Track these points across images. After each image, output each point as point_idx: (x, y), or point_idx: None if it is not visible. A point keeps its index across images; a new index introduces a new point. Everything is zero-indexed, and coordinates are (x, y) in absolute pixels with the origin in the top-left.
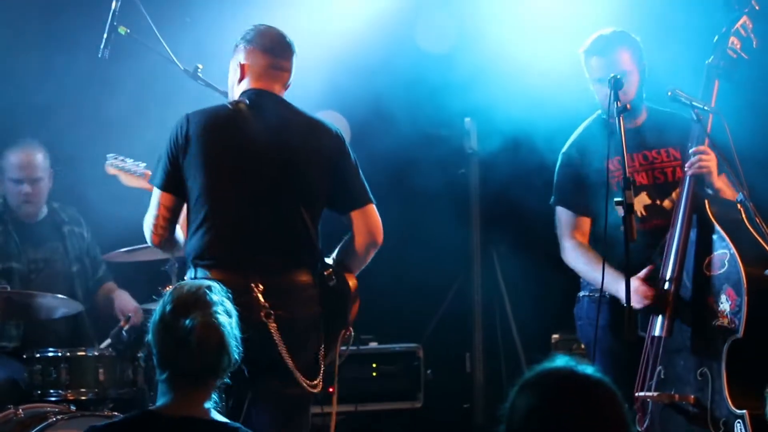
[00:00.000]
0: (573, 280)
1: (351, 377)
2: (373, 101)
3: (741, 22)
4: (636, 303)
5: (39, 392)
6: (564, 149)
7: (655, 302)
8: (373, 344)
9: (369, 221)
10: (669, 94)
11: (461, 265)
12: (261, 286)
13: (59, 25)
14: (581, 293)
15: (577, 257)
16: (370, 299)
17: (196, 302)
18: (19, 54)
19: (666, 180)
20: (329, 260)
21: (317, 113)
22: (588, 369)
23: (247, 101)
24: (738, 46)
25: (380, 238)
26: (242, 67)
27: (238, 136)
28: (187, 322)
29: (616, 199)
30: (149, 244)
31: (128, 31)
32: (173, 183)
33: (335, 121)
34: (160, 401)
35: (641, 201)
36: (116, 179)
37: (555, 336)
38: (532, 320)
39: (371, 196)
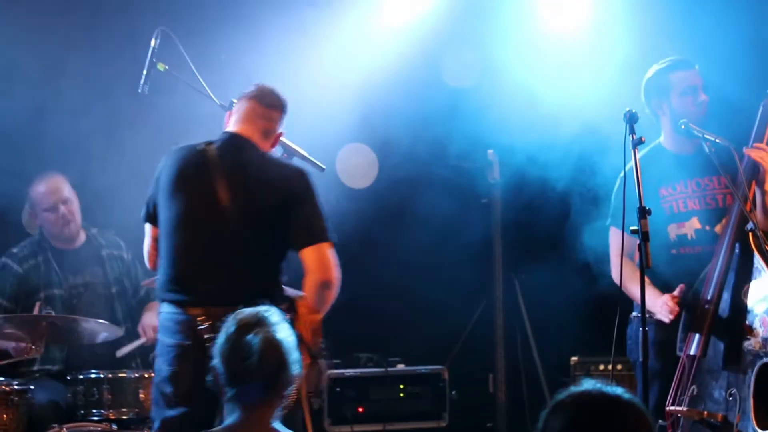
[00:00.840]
0: (590, 306)
1: (379, 398)
2: (399, 134)
3: None
4: (663, 317)
5: (82, 412)
6: (621, 174)
7: (692, 320)
8: (401, 366)
9: (320, 258)
10: (682, 126)
11: (484, 291)
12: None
13: (99, 58)
14: (633, 314)
15: (624, 275)
16: (398, 324)
17: (258, 322)
18: (60, 85)
19: (717, 206)
20: (295, 294)
21: (348, 144)
22: (617, 390)
23: (218, 143)
24: None
25: (331, 275)
26: (228, 116)
27: (201, 177)
28: (251, 338)
29: (632, 228)
30: (148, 267)
31: (167, 67)
32: (153, 215)
33: (363, 153)
34: (228, 421)
35: (692, 226)
36: None
37: (573, 358)
38: (551, 343)
39: (329, 236)
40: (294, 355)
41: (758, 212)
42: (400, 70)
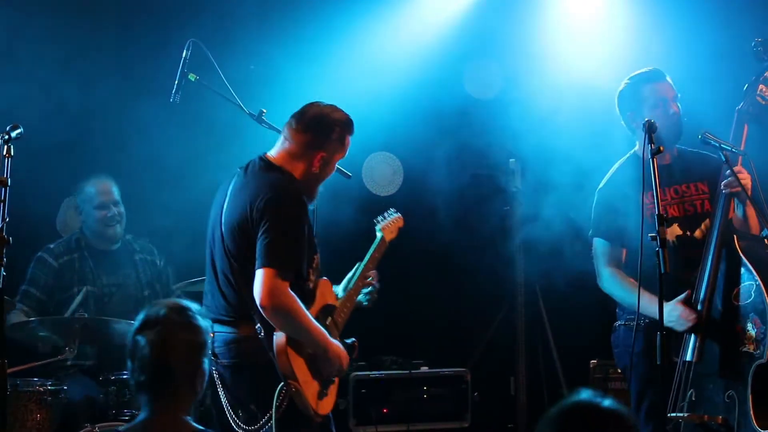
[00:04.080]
0: (608, 310)
1: (403, 399)
2: (423, 143)
3: None
4: (679, 326)
5: (114, 411)
6: (600, 186)
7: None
8: (425, 368)
9: (257, 284)
10: (700, 137)
11: (506, 296)
12: (212, 334)
13: (131, 69)
14: (617, 323)
15: (615, 284)
16: (422, 327)
17: (155, 320)
18: (93, 97)
19: (696, 212)
20: None
21: (374, 153)
22: (606, 401)
23: (241, 168)
24: (767, 93)
25: (263, 300)
26: None
27: (220, 199)
28: (140, 338)
29: (650, 234)
30: None
31: (198, 77)
32: None
33: (388, 161)
34: (139, 416)
35: (673, 232)
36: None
37: (593, 361)
38: (571, 347)
39: (271, 260)
40: (191, 355)
41: (737, 217)
42: (424, 81)
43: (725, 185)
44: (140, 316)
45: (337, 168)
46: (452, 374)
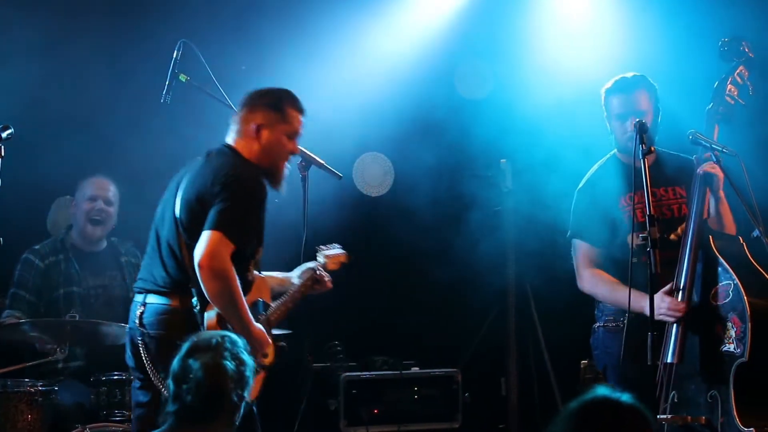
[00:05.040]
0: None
1: (394, 399)
2: (414, 144)
3: (738, 71)
4: (668, 317)
5: (105, 412)
6: (579, 187)
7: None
8: (415, 369)
9: (201, 241)
10: (690, 137)
11: (497, 297)
12: (142, 308)
13: (121, 70)
14: (596, 324)
15: (597, 283)
16: (413, 328)
17: (207, 346)
18: (83, 96)
19: (673, 216)
20: None
21: (365, 153)
22: (624, 397)
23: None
24: (735, 93)
25: (203, 260)
26: None
27: (174, 180)
28: (192, 362)
29: (641, 235)
30: None
31: (188, 78)
32: None
33: (380, 162)
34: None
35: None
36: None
37: (583, 362)
38: (562, 347)
39: (219, 225)
40: (238, 387)
41: (712, 218)
42: (415, 81)
43: (702, 168)
44: (187, 343)
45: (329, 168)
46: (443, 375)
